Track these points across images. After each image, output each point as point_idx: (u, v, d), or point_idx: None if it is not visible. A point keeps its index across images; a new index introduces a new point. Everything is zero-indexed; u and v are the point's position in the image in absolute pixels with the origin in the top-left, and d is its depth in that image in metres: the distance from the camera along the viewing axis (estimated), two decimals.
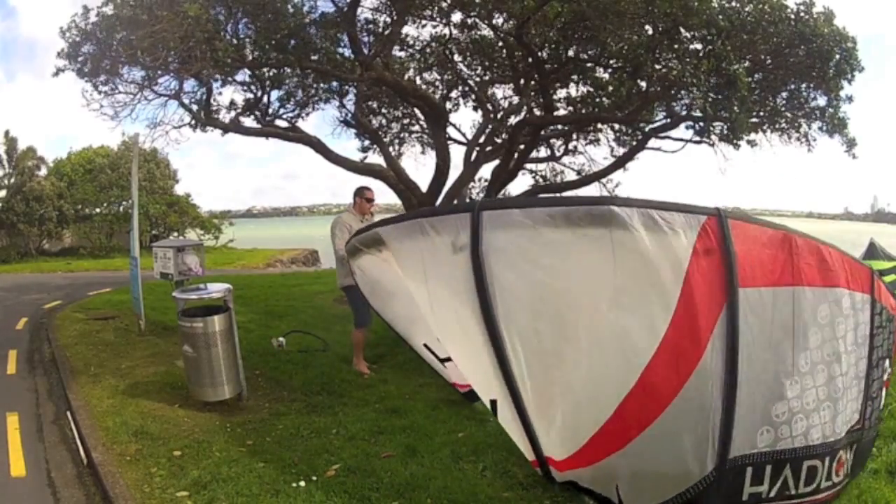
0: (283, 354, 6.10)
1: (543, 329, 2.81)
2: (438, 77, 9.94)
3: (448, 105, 9.83)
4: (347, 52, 7.92)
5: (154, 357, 6.07)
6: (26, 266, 18.74)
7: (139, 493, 3.24)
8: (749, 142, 8.00)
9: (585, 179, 10.30)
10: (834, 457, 2.85)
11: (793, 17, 6.54)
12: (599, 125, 10.03)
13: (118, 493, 3.24)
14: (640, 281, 2.56)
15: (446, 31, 8.65)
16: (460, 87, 9.94)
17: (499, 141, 9.82)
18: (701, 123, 8.04)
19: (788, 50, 6.90)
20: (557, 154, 10.86)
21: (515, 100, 9.69)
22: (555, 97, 9.03)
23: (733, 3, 6.59)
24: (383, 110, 10.67)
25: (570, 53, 7.78)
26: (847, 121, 7.54)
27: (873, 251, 8.44)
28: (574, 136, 10.50)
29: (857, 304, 2.93)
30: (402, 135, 11.20)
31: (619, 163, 9.78)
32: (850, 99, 7.35)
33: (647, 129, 9.23)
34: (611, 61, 7.71)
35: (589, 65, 8.09)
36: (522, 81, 9.04)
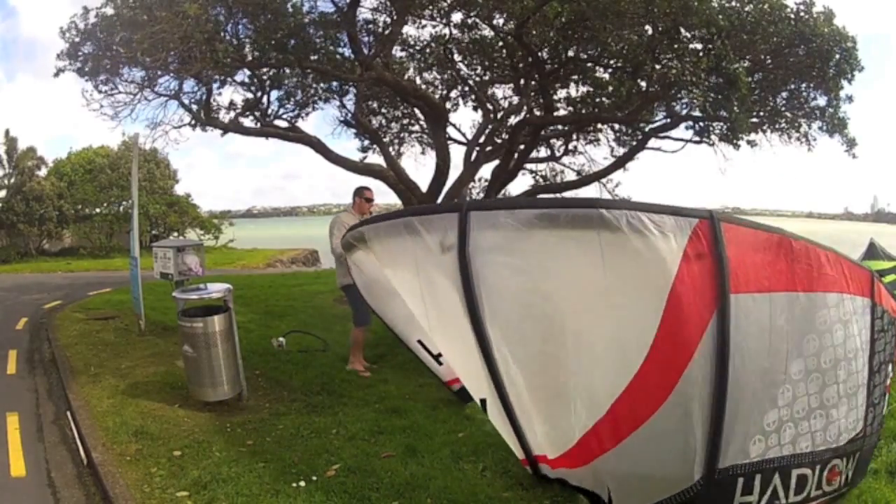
0: (283, 354, 6.10)
1: (530, 330, 2.79)
2: (438, 77, 9.94)
3: (448, 105, 9.83)
4: (347, 52, 7.93)
5: (154, 357, 6.06)
6: (26, 266, 18.74)
7: (139, 493, 3.23)
8: (749, 142, 8.01)
9: (585, 179, 10.31)
10: (826, 466, 2.79)
11: (792, 16, 6.55)
12: (599, 125, 10.03)
13: (118, 493, 3.24)
14: (629, 285, 2.52)
15: (446, 31, 8.67)
16: (460, 87, 9.94)
17: (499, 141, 9.82)
18: (701, 123, 8.05)
19: (788, 50, 6.91)
20: (557, 154, 10.87)
21: (515, 100, 9.69)
22: (555, 97, 9.03)
23: (733, 3, 6.60)
24: (383, 110, 10.67)
25: (570, 53, 7.79)
26: (847, 121, 7.55)
27: (873, 251, 8.44)
28: (574, 136, 10.50)
29: (857, 308, 2.85)
30: (401, 135, 11.21)
31: (619, 163, 9.79)
32: (850, 99, 7.37)
33: (647, 129, 9.23)
34: (611, 61, 7.72)
35: (589, 65, 8.10)
36: (522, 81, 9.04)
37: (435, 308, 3.06)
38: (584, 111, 9.06)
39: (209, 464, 3.56)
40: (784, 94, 7.81)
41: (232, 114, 8.81)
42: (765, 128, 8.16)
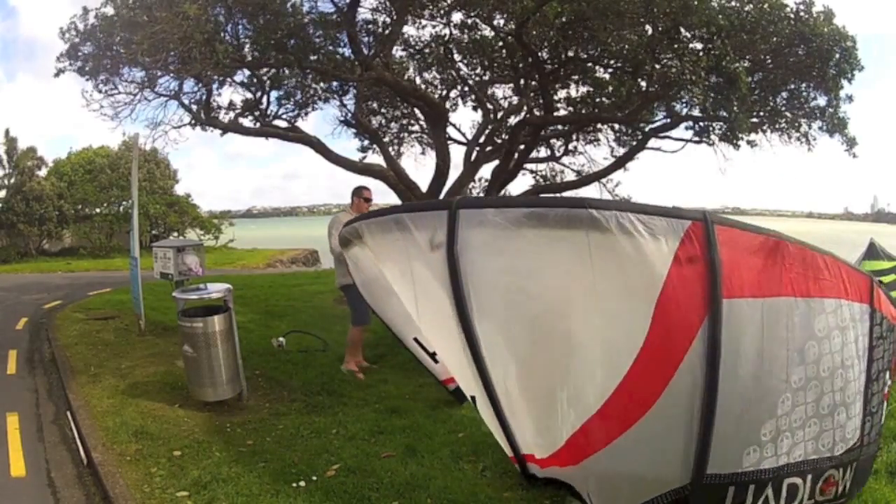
0: (283, 354, 6.10)
1: (518, 330, 2.75)
2: (438, 77, 9.94)
3: (447, 105, 9.83)
4: (347, 52, 7.94)
5: (154, 357, 6.06)
6: (26, 266, 18.74)
7: (139, 493, 3.23)
8: (749, 142, 8.02)
9: (585, 179, 10.31)
10: (819, 475, 2.73)
11: (792, 16, 6.56)
12: (599, 125, 10.03)
13: (118, 493, 3.24)
14: (618, 287, 2.47)
15: (446, 31, 8.68)
16: (460, 87, 9.95)
17: (499, 141, 9.81)
18: (701, 123, 8.06)
19: (788, 49, 6.91)
20: (557, 154, 10.87)
21: (515, 100, 9.69)
22: (555, 97, 9.03)
23: (733, 3, 6.60)
24: (383, 110, 10.67)
25: (570, 53, 7.78)
26: (847, 121, 7.54)
27: (873, 251, 8.44)
28: (574, 136, 10.50)
29: (856, 314, 2.79)
30: (401, 135, 11.21)
31: (619, 163, 9.79)
32: (850, 98, 7.37)
33: (647, 129, 9.23)
34: (611, 61, 7.72)
35: (589, 65, 8.10)
36: (522, 81, 9.05)
37: (425, 305, 3.04)
38: (584, 111, 9.07)
39: (209, 464, 3.56)
40: (784, 94, 7.80)
41: (231, 114, 8.82)
42: (765, 128, 8.15)
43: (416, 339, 4.05)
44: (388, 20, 8.23)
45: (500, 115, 9.73)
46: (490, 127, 9.56)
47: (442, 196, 8.82)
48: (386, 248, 3.06)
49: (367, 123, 9.98)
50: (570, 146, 10.75)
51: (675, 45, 6.48)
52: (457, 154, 9.60)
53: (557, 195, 9.69)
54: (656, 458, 2.59)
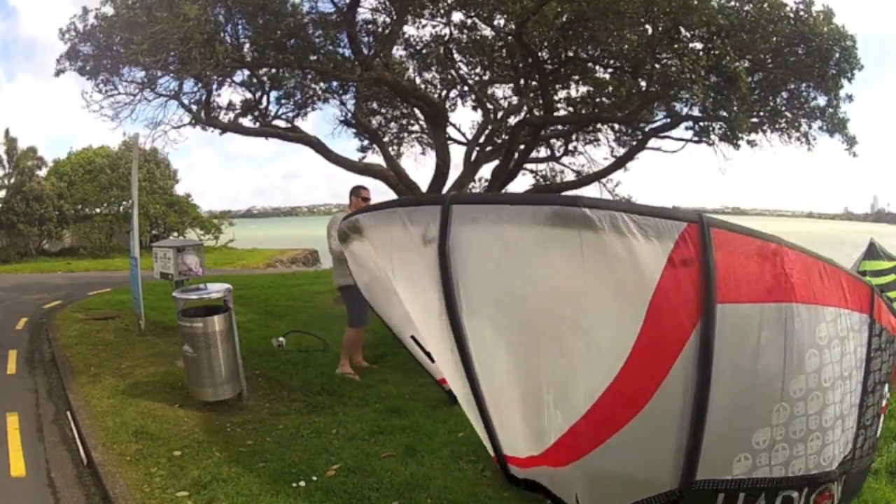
0: (283, 354, 6.10)
1: (506, 329, 2.69)
2: (438, 77, 9.95)
3: (447, 105, 9.84)
4: (347, 52, 7.94)
5: (154, 357, 6.06)
6: (26, 266, 18.74)
7: (139, 493, 3.23)
8: (749, 142, 8.02)
9: (585, 179, 10.31)
10: (815, 489, 2.65)
11: (792, 15, 6.55)
12: (599, 125, 10.03)
13: (118, 493, 3.24)
14: (609, 289, 2.41)
15: (446, 30, 8.68)
16: (459, 87, 9.95)
17: (499, 141, 9.82)
18: (701, 123, 8.06)
19: (788, 49, 6.90)
20: (557, 154, 10.88)
21: (515, 100, 9.70)
22: (555, 97, 9.04)
23: (732, 2, 6.60)
24: (382, 110, 10.68)
25: (570, 53, 7.78)
26: (847, 121, 7.54)
27: (873, 251, 8.44)
28: (574, 137, 10.51)
29: (854, 324, 2.70)
30: (401, 135, 11.22)
31: (619, 163, 9.79)
32: (849, 98, 7.37)
33: (647, 129, 9.24)
34: (611, 61, 7.72)
35: (589, 65, 8.10)
36: (522, 81, 9.05)
37: (418, 301, 3.00)
38: (584, 111, 9.07)
39: (209, 464, 3.56)
40: (784, 94, 7.80)
41: (231, 114, 8.82)
42: (765, 128, 8.16)
43: (412, 338, 4.01)
44: (388, 20, 8.24)
45: (500, 115, 9.74)
46: (490, 127, 9.57)
47: None
48: (384, 241, 3.03)
49: (367, 123, 9.99)
50: (570, 146, 10.76)
51: (675, 45, 6.49)
52: (457, 154, 9.63)
53: (555, 195, 9.69)
54: (647, 460, 2.55)
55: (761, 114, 7.88)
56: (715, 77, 6.27)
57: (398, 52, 9.34)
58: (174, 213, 24.89)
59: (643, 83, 7.41)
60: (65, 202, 22.71)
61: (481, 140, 9.53)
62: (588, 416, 2.59)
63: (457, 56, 9.29)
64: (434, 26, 8.81)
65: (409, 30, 8.97)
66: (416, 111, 10.15)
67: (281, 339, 6.51)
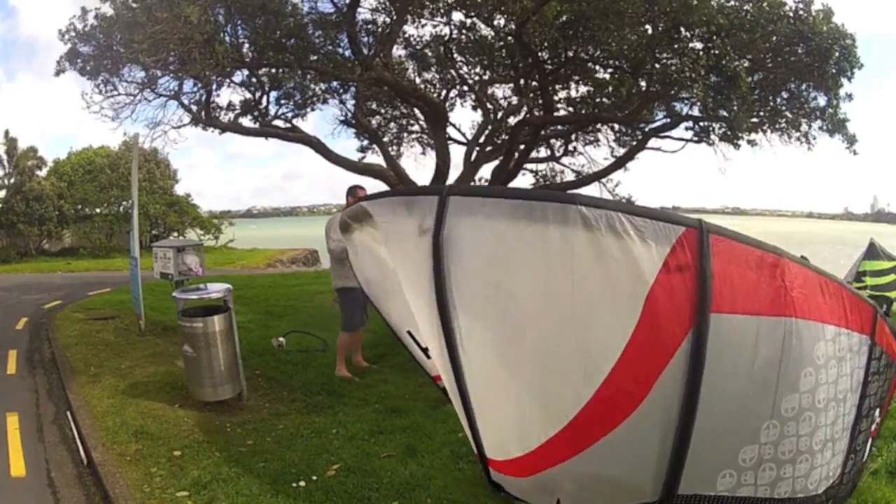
0: (283, 354, 6.10)
1: (496, 325, 2.62)
2: (438, 77, 9.95)
3: (447, 105, 9.83)
4: (347, 52, 7.94)
5: (154, 357, 6.07)
6: (26, 266, 18.74)
7: (139, 493, 3.23)
8: (749, 142, 8.01)
9: (585, 179, 10.30)
10: None
11: (791, 14, 6.54)
12: (599, 125, 10.03)
13: (118, 493, 3.24)
14: (601, 290, 2.36)
15: (446, 30, 8.68)
16: (459, 87, 9.95)
17: (499, 141, 9.82)
18: (701, 123, 8.05)
19: (788, 48, 6.90)
20: (557, 154, 10.87)
21: (515, 100, 9.69)
22: (555, 97, 9.03)
23: (732, 2, 6.60)
24: (382, 110, 10.68)
25: (570, 53, 7.78)
26: (847, 121, 7.54)
27: (873, 251, 8.44)
28: (574, 137, 10.50)
29: (854, 345, 2.61)
30: (401, 135, 11.21)
31: (619, 163, 9.78)
32: (849, 97, 7.36)
33: (647, 129, 9.23)
34: (611, 61, 7.71)
35: (589, 65, 8.10)
36: (522, 81, 9.05)
37: (414, 292, 2.94)
38: (584, 111, 9.06)
39: (209, 464, 3.56)
40: (784, 94, 7.80)
41: (231, 114, 8.82)
42: (765, 127, 8.15)
43: (409, 333, 3.90)
44: (388, 20, 8.23)
45: (500, 115, 9.73)
46: (490, 127, 9.56)
47: None
48: (384, 230, 2.99)
49: (367, 123, 9.97)
50: (570, 146, 10.75)
51: (675, 45, 6.48)
52: (457, 154, 9.61)
53: (553, 192, 9.68)
54: (631, 467, 2.50)
55: (761, 114, 7.88)
56: (715, 77, 6.26)
57: (398, 52, 9.35)
58: (174, 213, 24.89)
59: (643, 83, 7.40)
60: (65, 202, 22.73)
61: (481, 140, 9.53)
62: (574, 419, 2.52)
63: (457, 56, 9.28)
64: (434, 26, 8.81)
65: (408, 29, 8.97)
66: (416, 111, 10.14)
67: (281, 339, 6.51)
